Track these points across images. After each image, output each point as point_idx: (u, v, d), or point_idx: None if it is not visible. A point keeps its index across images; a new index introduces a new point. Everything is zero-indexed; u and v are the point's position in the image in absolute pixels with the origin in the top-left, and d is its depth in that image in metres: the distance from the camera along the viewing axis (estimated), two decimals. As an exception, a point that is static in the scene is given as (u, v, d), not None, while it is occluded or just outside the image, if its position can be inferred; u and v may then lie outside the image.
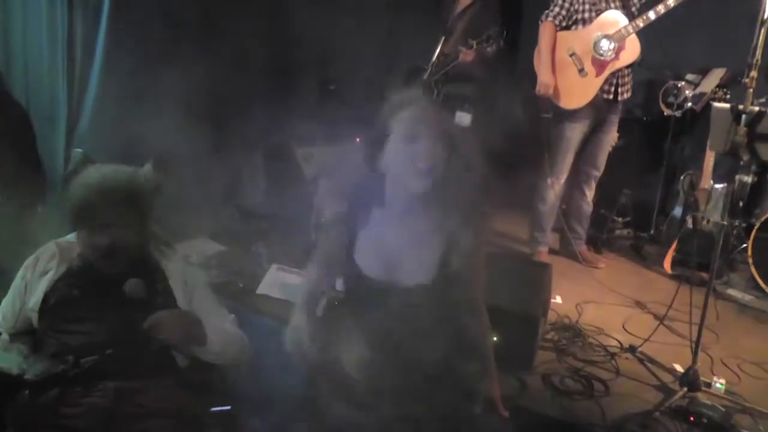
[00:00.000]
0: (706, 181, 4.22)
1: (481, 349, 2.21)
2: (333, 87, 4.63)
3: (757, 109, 2.87)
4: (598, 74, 3.86)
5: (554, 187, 4.15)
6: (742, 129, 2.73)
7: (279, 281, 3.45)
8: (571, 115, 3.98)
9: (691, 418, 2.55)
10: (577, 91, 3.92)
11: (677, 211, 4.45)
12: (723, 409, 2.57)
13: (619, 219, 5.06)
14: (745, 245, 4.10)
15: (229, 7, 4.17)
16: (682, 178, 4.46)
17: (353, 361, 1.98)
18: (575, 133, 4.02)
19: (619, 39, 3.77)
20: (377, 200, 2.00)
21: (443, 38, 4.23)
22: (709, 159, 4.20)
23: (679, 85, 4.93)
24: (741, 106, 2.71)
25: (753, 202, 4.55)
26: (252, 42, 4.37)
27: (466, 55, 4.23)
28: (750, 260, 4.01)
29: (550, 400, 2.71)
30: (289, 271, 3.56)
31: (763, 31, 2.65)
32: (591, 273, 4.26)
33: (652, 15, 3.70)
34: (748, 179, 4.45)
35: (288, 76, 4.60)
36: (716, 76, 4.74)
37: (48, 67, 3.61)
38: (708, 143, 3.63)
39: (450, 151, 1.93)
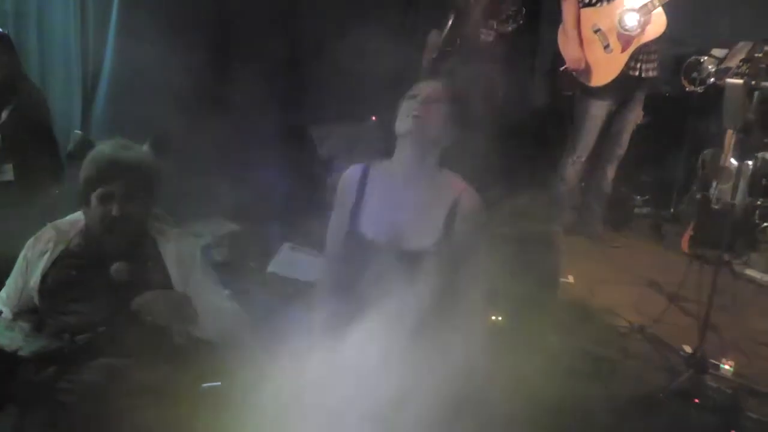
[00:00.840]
0: (727, 159, 4.12)
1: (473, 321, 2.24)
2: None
3: (770, 85, 2.81)
4: (624, 49, 3.80)
5: (575, 165, 4.12)
6: (755, 105, 2.66)
7: (290, 260, 3.47)
8: (597, 92, 3.95)
9: (696, 401, 2.52)
10: (603, 67, 3.88)
11: (696, 191, 4.37)
12: (729, 391, 2.54)
13: (639, 197, 4.99)
14: (766, 224, 4.01)
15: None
16: (701, 156, 4.36)
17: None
18: (600, 110, 3.99)
19: (645, 13, 3.71)
20: (384, 165, 2.14)
21: (459, 21, 4.14)
22: (730, 136, 4.09)
23: (702, 59, 4.83)
24: (753, 82, 2.63)
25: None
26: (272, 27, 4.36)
27: (488, 36, 4.16)
28: (771, 240, 3.93)
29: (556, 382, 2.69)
30: (301, 250, 3.57)
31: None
32: (607, 252, 4.22)
33: None
34: (772, 157, 4.35)
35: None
36: (742, 50, 4.61)
37: (62, 48, 3.65)
38: (724, 120, 3.56)
39: (452, 118, 2.10)
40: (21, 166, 3.31)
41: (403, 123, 2.09)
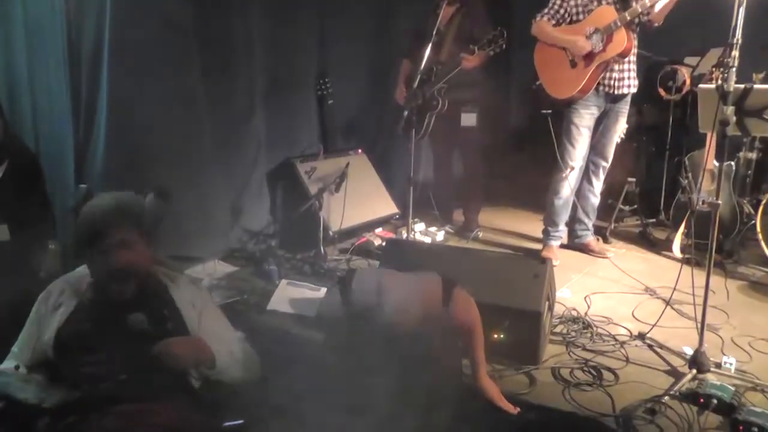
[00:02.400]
0: (710, 162, 4.20)
1: (471, 343, 2.36)
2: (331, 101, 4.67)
3: (742, 86, 2.89)
4: (586, 65, 3.93)
5: (568, 179, 4.19)
6: (729, 107, 2.73)
7: (288, 296, 3.50)
8: (576, 103, 4.07)
9: (701, 400, 2.54)
10: (566, 81, 4.03)
11: (682, 195, 4.44)
12: (732, 388, 2.57)
13: (626, 207, 5.07)
14: (753, 222, 4.08)
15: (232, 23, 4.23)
16: (684, 160, 4.45)
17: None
18: (583, 120, 4.09)
19: (606, 31, 3.84)
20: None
21: (430, 47, 4.18)
22: (710, 138, 4.17)
23: (677, 68, 4.95)
24: (726, 86, 2.71)
25: (760, 178, 4.54)
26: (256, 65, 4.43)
27: (469, 62, 4.22)
28: (760, 236, 4.00)
29: (560, 393, 2.72)
30: (298, 285, 3.61)
31: (741, 10, 2.66)
32: (600, 264, 4.28)
33: (638, 8, 3.74)
34: (753, 156, 4.45)
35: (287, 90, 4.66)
36: (714, 55, 4.72)
37: (55, 104, 3.69)
38: (699, 124, 3.65)
39: None
40: (15, 225, 3.34)
41: None
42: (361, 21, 5.16)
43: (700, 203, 4.10)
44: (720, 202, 2.81)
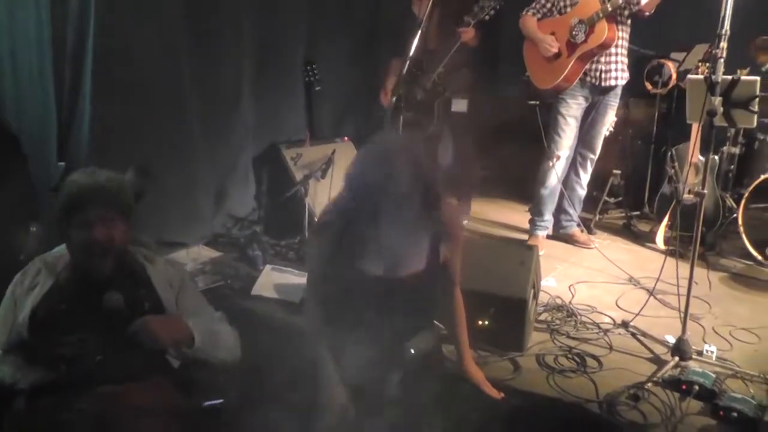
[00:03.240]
0: (695, 155, 4.24)
1: (455, 329, 2.38)
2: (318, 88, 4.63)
3: (729, 78, 2.92)
4: (568, 55, 3.98)
5: (555, 169, 4.20)
6: (717, 98, 2.75)
7: (273, 281, 3.49)
8: (563, 94, 4.10)
9: (683, 387, 2.57)
10: (549, 71, 4.07)
11: (667, 187, 4.47)
12: (713, 375, 2.60)
13: (611, 199, 5.10)
14: (735, 215, 4.12)
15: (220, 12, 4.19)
16: (669, 154, 4.48)
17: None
18: (570, 110, 4.12)
19: (589, 23, 3.86)
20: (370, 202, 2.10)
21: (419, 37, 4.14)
22: (696, 131, 4.21)
23: (663, 63, 4.98)
24: (713, 77, 2.73)
25: (742, 172, 4.58)
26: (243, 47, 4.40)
27: (467, 33, 4.19)
28: (741, 229, 4.04)
29: (544, 380, 2.74)
30: (282, 270, 3.59)
31: (730, 2, 2.67)
32: (584, 254, 4.30)
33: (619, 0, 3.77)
34: (736, 150, 4.49)
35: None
36: (700, 51, 4.76)
37: (38, 84, 3.63)
38: (687, 115, 3.68)
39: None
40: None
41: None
42: (350, 8, 5.13)
43: (686, 193, 4.12)
44: (706, 191, 2.83)
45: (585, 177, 4.40)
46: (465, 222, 4.83)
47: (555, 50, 3.98)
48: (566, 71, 3.97)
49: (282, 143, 4.58)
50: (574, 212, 4.48)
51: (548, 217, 4.40)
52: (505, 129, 5.83)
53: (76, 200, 2.01)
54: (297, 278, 3.52)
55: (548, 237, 4.48)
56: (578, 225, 4.52)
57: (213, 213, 4.33)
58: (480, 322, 2.85)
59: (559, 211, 4.47)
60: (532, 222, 4.43)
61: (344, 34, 5.12)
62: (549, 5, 4.08)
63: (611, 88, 4.11)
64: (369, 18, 5.31)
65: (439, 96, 4.44)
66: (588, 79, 4.04)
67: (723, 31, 2.71)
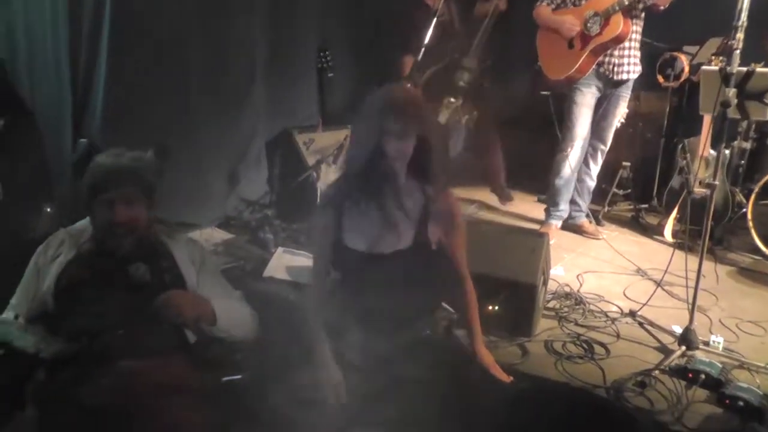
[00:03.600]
0: (706, 149, 4.24)
1: (466, 314, 2.35)
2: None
3: (744, 69, 2.93)
4: (582, 48, 3.99)
5: (567, 159, 4.22)
6: (732, 90, 2.76)
7: (285, 263, 3.52)
8: (577, 82, 4.10)
9: (690, 375, 2.60)
10: (562, 62, 4.08)
11: (676, 180, 4.48)
12: (720, 365, 2.63)
13: (620, 192, 5.10)
14: (745, 210, 4.13)
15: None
16: (681, 145, 4.48)
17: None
18: (584, 99, 4.12)
19: (605, 15, 3.87)
20: (360, 182, 2.14)
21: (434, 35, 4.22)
22: (708, 124, 4.21)
23: (676, 56, 4.98)
24: (729, 68, 2.75)
25: (753, 168, 4.58)
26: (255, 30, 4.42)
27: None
28: (750, 224, 4.05)
29: (552, 365, 2.77)
30: (294, 253, 3.63)
31: (746, -6, 2.68)
32: (592, 245, 4.32)
33: None
34: (747, 145, 4.49)
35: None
36: (713, 45, 4.76)
37: (53, 60, 3.65)
38: (700, 106, 3.69)
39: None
40: (9, 184, 3.31)
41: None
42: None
43: (696, 186, 4.13)
44: (717, 182, 2.85)
45: (595, 168, 4.43)
46: (474, 212, 4.88)
47: (578, 29, 3.96)
48: (579, 63, 3.99)
49: (294, 128, 4.60)
50: (584, 203, 4.50)
51: (564, 207, 4.43)
52: (517, 119, 5.84)
53: (100, 182, 2.06)
54: (309, 261, 3.54)
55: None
56: (587, 216, 4.54)
57: (225, 196, 4.37)
58: (490, 307, 2.87)
59: (570, 202, 4.48)
60: (547, 211, 4.47)
61: (357, 20, 5.13)
62: (558, 1, 4.08)
63: (624, 81, 4.12)
64: (382, 4, 5.31)
65: (478, 79, 4.58)
66: (601, 70, 4.06)
67: (739, 23, 2.72)
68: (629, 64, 4.06)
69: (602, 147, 4.35)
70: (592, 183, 4.48)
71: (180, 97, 3.96)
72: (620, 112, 4.27)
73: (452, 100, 4.48)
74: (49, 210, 3.51)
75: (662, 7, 3.86)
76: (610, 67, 4.03)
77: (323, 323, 2.20)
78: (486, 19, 4.42)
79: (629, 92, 4.22)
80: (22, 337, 2.00)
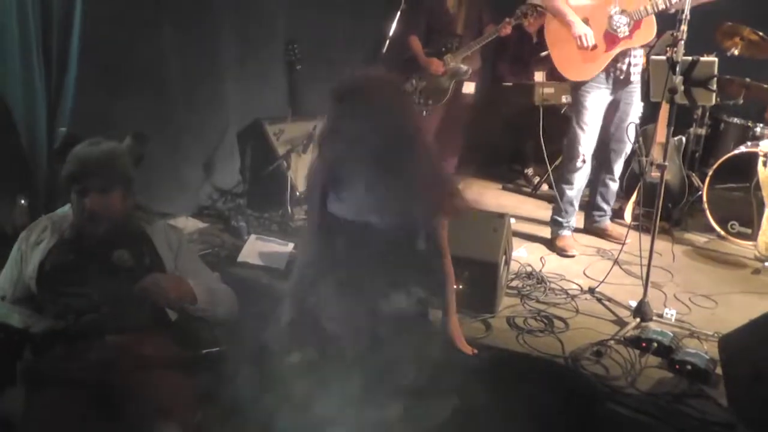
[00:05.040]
0: (662, 135, 4.40)
1: (443, 288, 2.46)
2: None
3: (690, 58, 3.11)
4: (607, 50, 3.67)
5: (581, 167, 3.94)
6: (678, 77, 2.94)
7: (257, 249, 3.62)
8: (586, 84, 3.79)
9: (643, 344, 2.77)
10: (583, 63, 3.75)
11: (635, 165, 4.66)
12: (671, 334, 2.80)
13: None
14: (701, 193, 4.33)
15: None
16: (636, 126, 4.63)
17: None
18: (595, 102, 3.81)
19: (636, 16, 3.56)
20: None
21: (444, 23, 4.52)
22: (664, 113, 4.38)
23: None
24: (675, 57, 2.92)
25: (708, 153, 4.79)
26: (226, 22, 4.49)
27: (506, 29, 4.52)
28: (705, 206, 4.25)
29: (514, 339, 2.92)
30: (266, 240, 3.73)
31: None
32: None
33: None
34: (702, 131, 4.70)
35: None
36: (669, 37, 4.92)
37: (22, 52, 3.66)
38: (651, 93, 3.84)
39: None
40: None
41: None
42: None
43: (651, 173, 4.26)
44: (666, 164, 3.02)
45: (618, 171, 4.14)
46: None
47: (593, 44, 3.63)
48: (604, 66, 3.69)
49: (265, 119, 4.70)
50: (608, 207, 4.26)
51: (573, 216, 4.11)
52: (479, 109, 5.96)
53: (76, 172, 2.16)
54: (280, 247, 3.66)
55: (577, 230, 4.24)
56: (611, 219, 4.34)
57: (199, 186, 4.44)
58: (454, 285, 2.99)
59: (592, 206, 4.28)
60: (555, 222, 4.10)
61: (326, 12, 5.22)
62: None
63: (631, 82, 3.85)
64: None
65: (462, 75, 4.73)
66: (612, 71, 3.76)
67: (684, 16, 2.91)
68: (636, 65, 3.81)
69: (626, 149, 4.02)
70: (615, 186, 4.19)
71: (155, 89, 4.01)
72: (637, 110, 3.94)
73: (414, 83, 4.69)
74: (23, 202, 3.55)
75: (672, 11, 3.45)
76: (625, 67, 3.75)
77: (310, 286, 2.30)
78: (488, 36, 4.59)
79: (639, 86, 3.90)
80: (8, 315, 2.10)
